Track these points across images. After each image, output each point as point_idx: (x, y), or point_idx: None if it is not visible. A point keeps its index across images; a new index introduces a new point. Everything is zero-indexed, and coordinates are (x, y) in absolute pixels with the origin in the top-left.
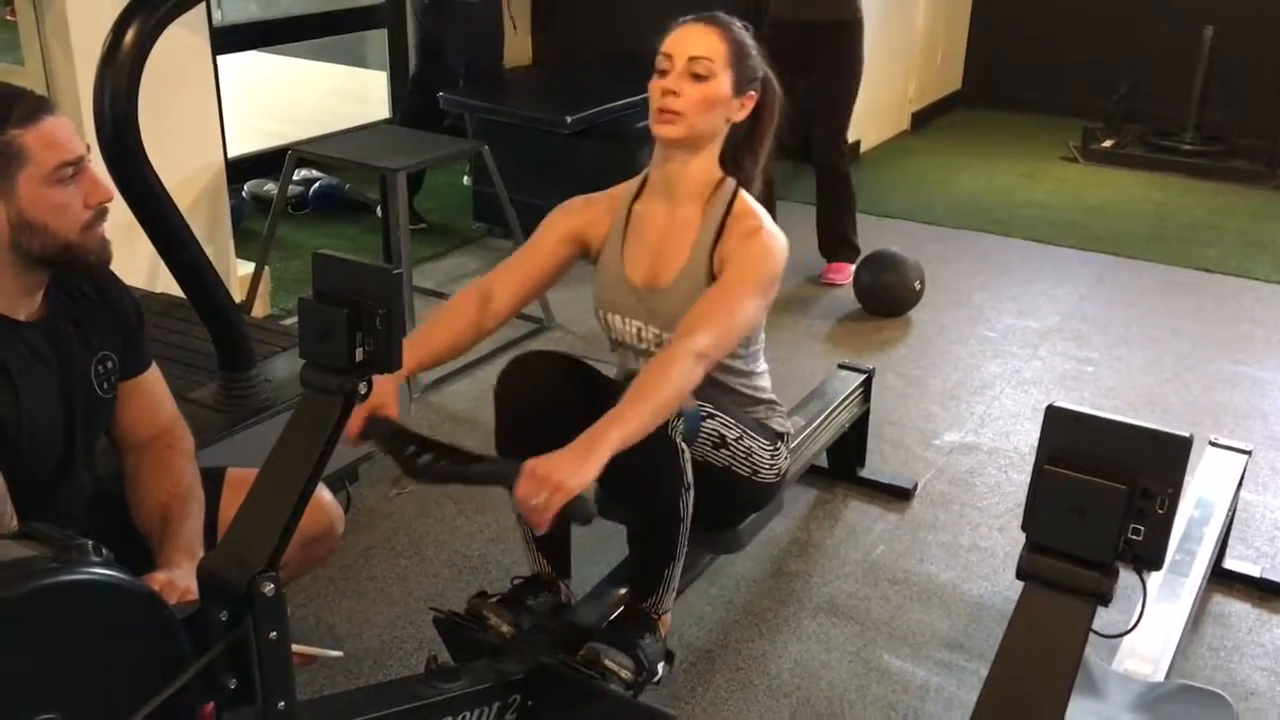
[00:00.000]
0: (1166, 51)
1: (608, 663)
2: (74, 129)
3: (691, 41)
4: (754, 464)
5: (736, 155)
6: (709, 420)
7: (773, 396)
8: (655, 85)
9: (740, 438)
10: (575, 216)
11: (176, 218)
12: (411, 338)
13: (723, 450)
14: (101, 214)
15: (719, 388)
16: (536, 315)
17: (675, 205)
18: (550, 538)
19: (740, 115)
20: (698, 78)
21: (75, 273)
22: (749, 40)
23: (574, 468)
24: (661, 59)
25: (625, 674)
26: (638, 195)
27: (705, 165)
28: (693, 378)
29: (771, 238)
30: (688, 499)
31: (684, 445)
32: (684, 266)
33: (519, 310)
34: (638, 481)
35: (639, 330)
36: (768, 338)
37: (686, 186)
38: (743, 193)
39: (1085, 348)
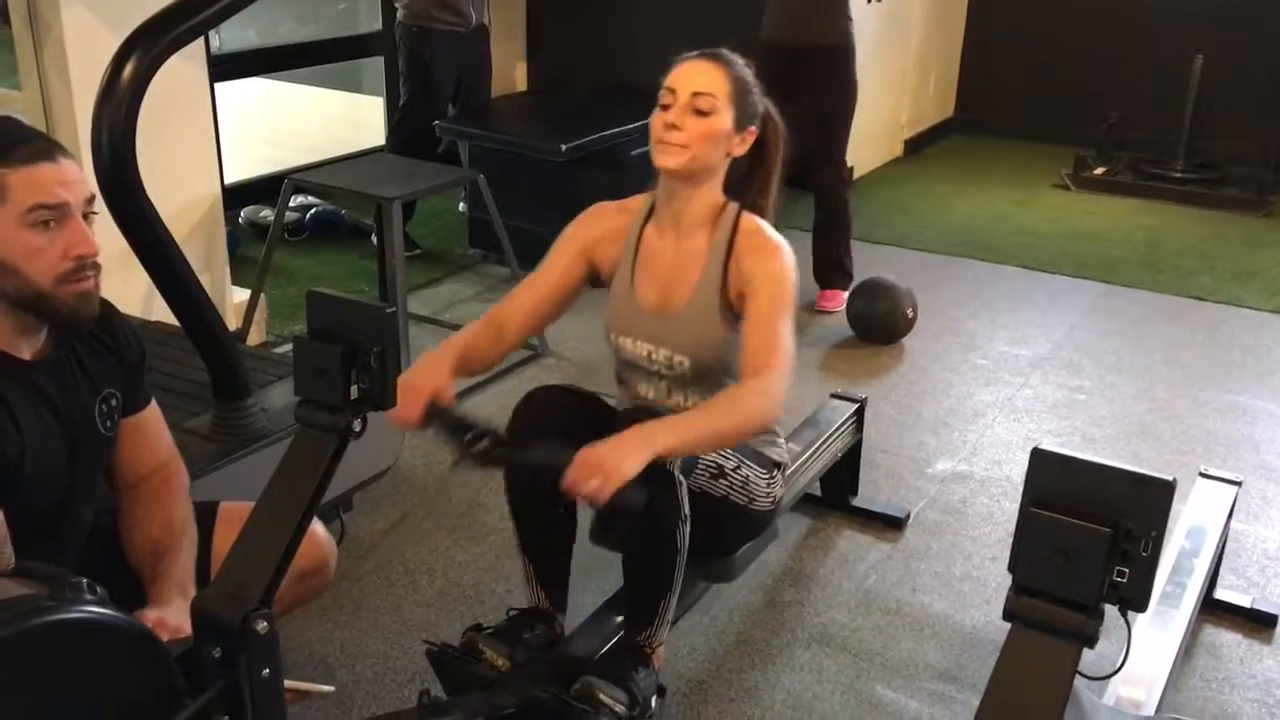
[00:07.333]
0: (1157, 80)
1: (601, 696)
2: (77, 179)
3: (695, 77)
4: (750, 493)
5: (742, 189)
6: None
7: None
8: (658, 118)
9: (738, 467)
10: (592, 228)
11: (172, 247)
12: (445, 346)
13: (720, 480)
14: (83, 267)
15: None
16: (532, 343)
17: (683, 236)
18: (552, 570)
19: (740, 150)
20: (700, 113)
21: (57, 323)
22: (751, 78)
23: (623, 457)
24: (665, 93)
25: (619, 708)
26: (648, 218)
27: (709, 197)
28: (766, 418)
29: (780, 250)
30: (684, 530)
31: (681, 478)
32: (695, 293)
33: (531, 334)
34: (635, 512)
35: (649, 353)
36: None
37: (692, 217)
38: (744, 212)
39: (1077, 376)
